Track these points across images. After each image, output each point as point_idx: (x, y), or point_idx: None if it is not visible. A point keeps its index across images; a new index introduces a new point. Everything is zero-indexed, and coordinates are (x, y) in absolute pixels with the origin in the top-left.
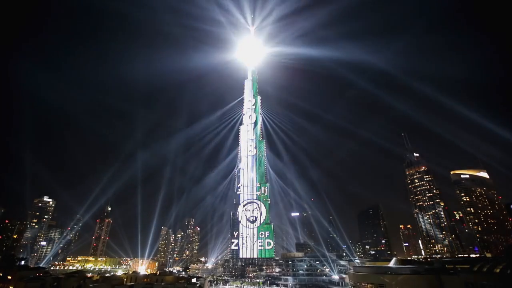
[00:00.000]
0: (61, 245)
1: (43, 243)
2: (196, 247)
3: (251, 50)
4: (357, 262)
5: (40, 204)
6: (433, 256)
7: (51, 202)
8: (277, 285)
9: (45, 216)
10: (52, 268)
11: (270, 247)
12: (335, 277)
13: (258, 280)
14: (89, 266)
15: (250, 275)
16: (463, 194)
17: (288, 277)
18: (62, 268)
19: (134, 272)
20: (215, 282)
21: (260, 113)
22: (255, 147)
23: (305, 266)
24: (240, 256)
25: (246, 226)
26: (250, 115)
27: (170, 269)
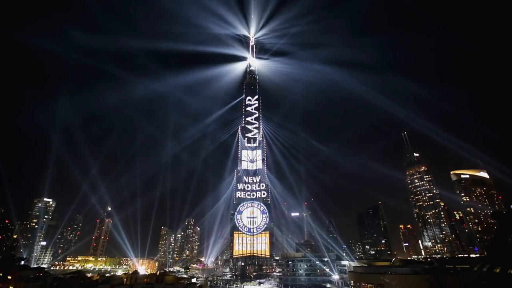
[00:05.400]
0: (61, 245)
1: (43, 243)
2: (196, 247)
3: (250, 52)
4: (357, 262)
5: (40, 204)
6: (433, 256)
7: (51, 202)
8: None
9: (45, 216)
10: (52, 268)
11: (270, 247)
12: (335, 277)
13: (258, 281)
14: (89, 266)
15: (251, 275)
16: (463, 194)
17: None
18: (62, 268)
19: (134, 272)
20: (215, 282)
21: (260, 113)
22: (255, 147)
23: (305, 266)
24: (240, 256)
25: (246, 226)
26: (250, 115)
27: (170, 269)
